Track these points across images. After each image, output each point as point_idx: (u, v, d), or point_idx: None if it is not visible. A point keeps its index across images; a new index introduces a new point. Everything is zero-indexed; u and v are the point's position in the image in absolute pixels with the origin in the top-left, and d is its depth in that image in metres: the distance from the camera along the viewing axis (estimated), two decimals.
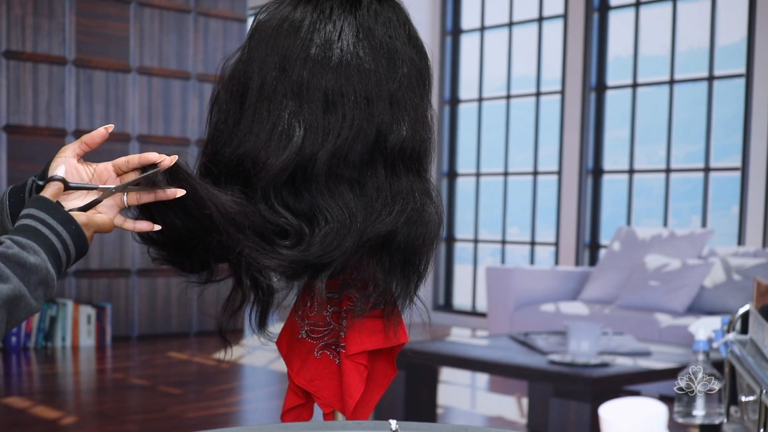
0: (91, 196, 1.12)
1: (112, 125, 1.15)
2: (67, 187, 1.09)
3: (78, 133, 6.48)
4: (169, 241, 1.18)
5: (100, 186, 1.11)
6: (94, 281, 6.60)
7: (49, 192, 1.08)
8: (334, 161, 1.15)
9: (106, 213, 1.13)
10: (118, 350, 6.31)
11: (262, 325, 1.27)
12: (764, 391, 1.71)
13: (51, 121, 6.40)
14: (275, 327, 1.30)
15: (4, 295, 0.98)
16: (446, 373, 5.43)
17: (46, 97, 6.39)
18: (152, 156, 1.10)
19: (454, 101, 8.42)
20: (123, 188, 1.12)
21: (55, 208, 1.06)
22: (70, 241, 1.06)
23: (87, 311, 6.36)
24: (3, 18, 6.19)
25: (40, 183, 1.12)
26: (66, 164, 1.12)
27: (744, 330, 2.10)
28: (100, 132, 1.13)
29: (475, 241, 8.35)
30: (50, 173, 1.11)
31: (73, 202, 1.12)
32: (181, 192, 1.10)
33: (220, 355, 6.02)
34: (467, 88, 8.40)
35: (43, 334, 6.22)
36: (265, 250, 1.14)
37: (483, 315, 7.86)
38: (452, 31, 8.40)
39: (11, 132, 6.26)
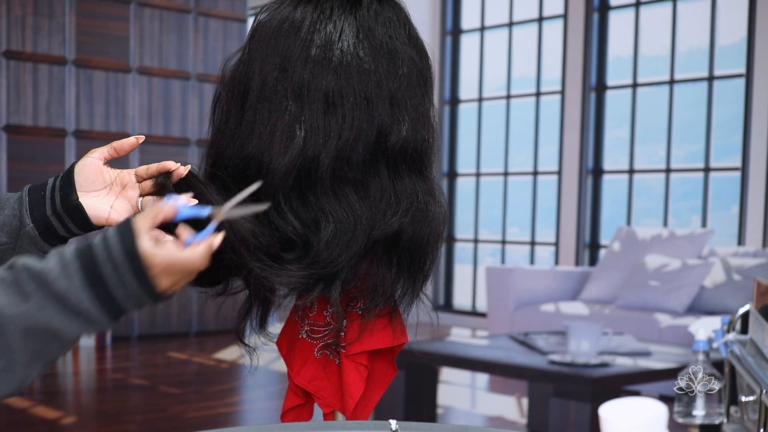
0: (112, 195, 1.12)
1: (143, 137, 1.16)
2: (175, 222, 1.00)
3: (78, 133, 6.48)
4: None
5: (209, 207, 1.04)
6: None
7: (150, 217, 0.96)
8: (337, 163, 1.15)
9: (119, 215, 1.13)
10: (118, 350, 6.31)
11: (262, 325, 1.27)
12: (764, 391, 1.71)
13: (51, 121, 6.40)
14: (275, 327, 1.30)
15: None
16: (446, 373, 5.43)
17: (46, 97, 6.38)
18: (169, 164, 1.12)
19: (454, 101, 8.42)
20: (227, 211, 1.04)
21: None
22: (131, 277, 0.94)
23: None
24: (3, 18, 6.19)
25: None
26: (93, 165, 1.12)
27: (744, 330, 2.10)
28: (131, 141, 1.13)
29: (475, 241, 8.35)
30: (77, 169, 1.10)
31: (94, 199, 1.12)
32: (194, 202, 1.10)
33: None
34: (467, 88, 8.40)
35: None
36: (273, 269, 1.14)
37: (483, 315, 7.86)
38: (452, 31, 8.40)
39: (11, 132, 6.25)
